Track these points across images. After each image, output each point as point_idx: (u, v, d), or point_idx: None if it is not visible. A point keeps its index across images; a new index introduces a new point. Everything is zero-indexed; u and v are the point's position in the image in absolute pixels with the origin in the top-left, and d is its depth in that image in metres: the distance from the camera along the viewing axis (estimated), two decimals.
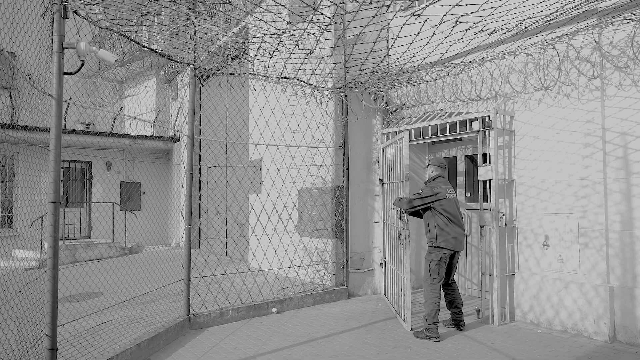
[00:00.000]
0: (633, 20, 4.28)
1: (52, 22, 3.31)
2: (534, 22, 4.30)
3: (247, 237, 8.38)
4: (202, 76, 5.47)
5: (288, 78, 6.17)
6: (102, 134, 11.52)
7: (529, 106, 5.42)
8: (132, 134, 12.78)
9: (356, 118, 7.06)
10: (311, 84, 6.42)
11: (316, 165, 6.97)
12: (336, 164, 6.92)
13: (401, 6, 5.66)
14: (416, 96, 6.75)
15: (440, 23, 3.98)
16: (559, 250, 5.06)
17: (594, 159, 4.78)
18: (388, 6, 4.05)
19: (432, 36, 4.39)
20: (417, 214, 5.21)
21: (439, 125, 6.27)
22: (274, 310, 5.92)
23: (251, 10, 5.05)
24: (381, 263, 6.87)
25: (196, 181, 10.60)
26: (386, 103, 7.15)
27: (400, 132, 6.49)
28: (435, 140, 6.09)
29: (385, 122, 7.18)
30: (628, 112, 4.58)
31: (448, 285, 5.17)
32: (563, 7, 4.01)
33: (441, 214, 4.91)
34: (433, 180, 5.17)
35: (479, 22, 4.05)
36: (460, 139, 6.68)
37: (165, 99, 13.95)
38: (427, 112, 6.63)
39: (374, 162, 7.22)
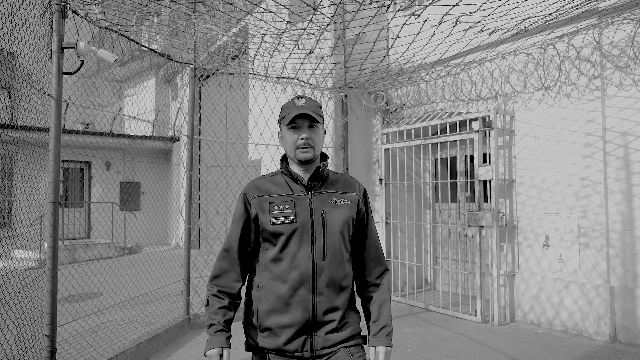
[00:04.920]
0: (633, 20, 4.28)
1: (52, 21, 3.30)
2: (535, 22, 4.29)
3: None
4: (201, 76, 5.46)
5: (288, 78, 6.16)
6: (101, 134, 11.51)
7: (529, 106, 5.41)
8: (131, 134, 12.77)
9: (356, 118, 7.05)
10: (311, 84, 6.41)
11: None
12: (336, 164, 6.90)
13: (401, 6, 5.65)
14: (416, 96, 6.74)
15: (440, 23, 3.98)
16: (559, 250, 5.05)
17: (594, 159, 4.77)
18: (388, 6, 4.04)
19: (432, 36, 4.38)
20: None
21: (439, 125, 6.26)
22: None
23: (251, 10, 5.04)
24: None
25: (196, 181, 10.58)
26: (386, 103, 7.15)
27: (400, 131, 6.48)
28: (435, 140, 6.08)
29: (385, 122, 7.17)
30: (629, 111, 4.57)
31: None
32: (563, 6, 4.00)
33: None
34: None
35: (479, 22, 4.05)
36: (460, 139, 6.68)
37: (165, 98, 13.94)
38: (427, 112, 6.62)
39: (374, 162, 7.21)
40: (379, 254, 1.92)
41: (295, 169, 1.83)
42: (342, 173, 1.96)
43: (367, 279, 1.90)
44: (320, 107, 1.84)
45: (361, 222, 1.88)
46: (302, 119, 1.76)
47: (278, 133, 1.89)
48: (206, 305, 1.78)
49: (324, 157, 1.88)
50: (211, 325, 1.75)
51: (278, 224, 1.73)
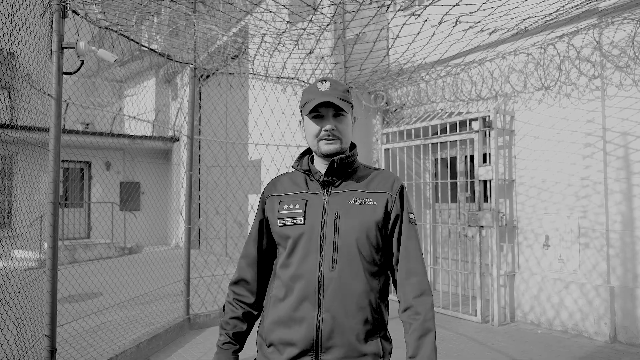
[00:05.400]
0: (633, 20, 4.28)
1: (52, 21, 3.30)
2: (535, 22, 4.30)
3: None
4: (201, 76, 5.46)
5: (288, 78, 6.17)
6: (101, 134, 11.51)
7: (529, 106, 5.41)
8: (131, 134, 12.77)
9: (356, 118, 7.05)
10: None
11: None
12: None
13: (401, 6, 5.65)
14: (416, 96, 6.74)
15: (440, 23, 3.98)
16: (559, 251, 5.05)
17: (594, 159, 4.77)
18: (388, 6, 4.04)
19: (432, 36, 4.38)
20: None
21: (439, 125, 6.26)
22: None
23: (251, 10, 5.04)
24: None
25: (196, 181, 10.58)
26: (386, 103, 7.15)
27: (400, 131, 6.48)
28: (435, 140, 6.08)
29: (385, 122, 7.17)
30: (629, 112, 4.57)
31: None
32: (563, 6, 4.00)
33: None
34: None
35: (479, 22, 4.05)
36: (460, 139, 6.68)
37: (165, 98, 13.94)
38: (427, 112, 6.62)
39: (374, 162, 7.21)
40: (415, 270, 1.52)
41: (318, 164, 1.57)
42: (378, 167, 1.60)
43: (402, 300, 1.53)
44: (348, 90, 1.55)
45: (392, 228, 1.54)
46: (326, 107, 1.50)
47: (299, 122, 1.64)
48: (223, 312, 1.64)
49: (351, 147, 1.61)
50: (220, 335, 1.59)
51: (285, 226, 1.51)
